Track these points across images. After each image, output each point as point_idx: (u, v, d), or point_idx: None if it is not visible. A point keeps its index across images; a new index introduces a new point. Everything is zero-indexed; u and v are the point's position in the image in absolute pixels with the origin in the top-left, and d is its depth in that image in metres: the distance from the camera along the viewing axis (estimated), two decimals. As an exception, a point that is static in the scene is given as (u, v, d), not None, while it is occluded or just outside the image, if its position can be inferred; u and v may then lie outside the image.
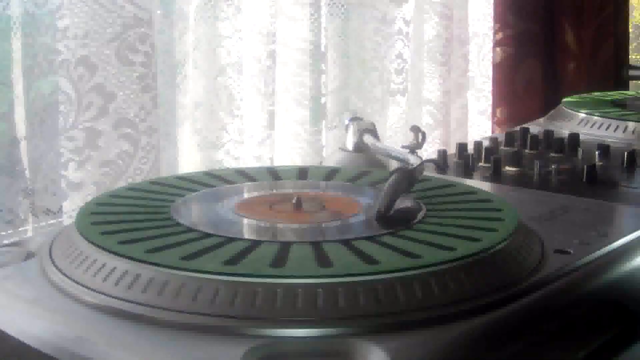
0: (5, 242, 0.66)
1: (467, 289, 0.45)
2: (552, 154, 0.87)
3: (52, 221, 0.79)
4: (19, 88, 0.75)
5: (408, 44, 1.16)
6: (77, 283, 0.46)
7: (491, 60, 1.37)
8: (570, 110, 1.04)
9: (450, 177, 0.77)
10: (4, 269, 0.50)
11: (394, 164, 0.70)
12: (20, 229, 0.76)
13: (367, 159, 0.76)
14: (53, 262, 0.49)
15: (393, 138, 1.15)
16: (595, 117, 0.99)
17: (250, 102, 0.95)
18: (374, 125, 0.77)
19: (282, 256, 0.46)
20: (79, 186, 0.78)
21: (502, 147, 0.89)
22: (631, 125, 0.95)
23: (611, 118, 0.98)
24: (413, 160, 0.64)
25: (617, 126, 0.96)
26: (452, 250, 0.47)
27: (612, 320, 0.53)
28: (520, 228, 0.53)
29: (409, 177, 0.58)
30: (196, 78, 0.91)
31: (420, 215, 0.55)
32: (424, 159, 0.64)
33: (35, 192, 0.77)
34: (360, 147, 0.76)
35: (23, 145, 0.76)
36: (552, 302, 0.48)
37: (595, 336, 0.51)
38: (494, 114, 1.39)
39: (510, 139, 0.91)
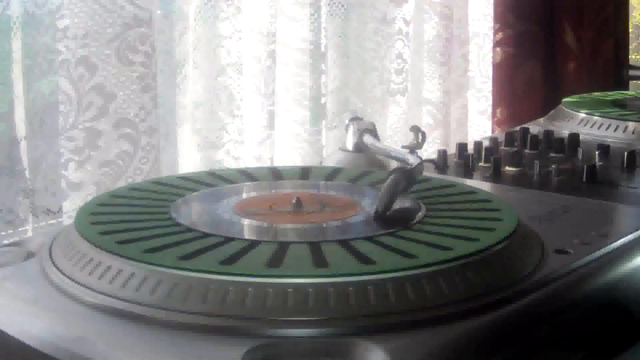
0: (5, 242, 0.66)
1: (466, 289, 0.45)
2: (552, 154, 0.87)
3: (52, 221, 0.79)
4: (19, 88, 0.75)
5: (408, 44, 1.16)
6: (77, 283, 0.46)
7: (491, 60, 1.37)
8: (570, 110, 1.04)
9: (450, 177, 0.77)
10: (4, 269, 0.50)
11: (394, 164, 0.70)
12: (20, 229, 0.76)
13: (367, 159, 0.76)
14: (53, 262, 0.49)
15: (393, 138, 1.15)
16: (595, 117, 0.99)
17: (250, 102, 0.95)
18: (374, 125, 0.77)
19: (280, 256, 0.46)
20: (79, 186, 0.78)
21: (502, 147, 0.89)
22: (631, 125, 0.95)
23: (611, 118, 0.98)
24: (412, 160, 0.64)
25: (617, 126, 0.96)
26: (449, 250, 0.47)
27: (612, 320, 0.53)
28: (520, 228, 0.53)
29: (407, 177, 0.58)
30: (196, 78, 0.91)
31: (419, 216, 0.55)
32: (423, 159, 0.64)
33: (35, 192, 0.77)
34: (360, 147, 0.76)
35: (23, 145, 0.76)
36: (552, 302, 0.48)
37: (595, 336, 0.51)
38: (494, 114, 1.39)
39: (510, 139, 0.91)
